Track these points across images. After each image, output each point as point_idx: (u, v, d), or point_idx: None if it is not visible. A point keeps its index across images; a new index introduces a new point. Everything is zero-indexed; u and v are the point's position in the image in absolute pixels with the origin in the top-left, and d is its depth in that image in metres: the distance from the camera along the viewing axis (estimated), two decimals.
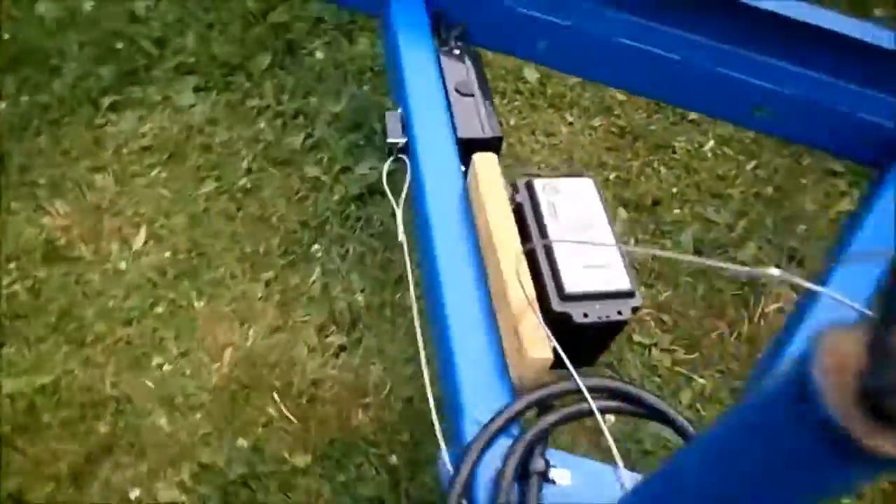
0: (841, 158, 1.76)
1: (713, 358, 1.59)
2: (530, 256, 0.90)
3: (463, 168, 1.06)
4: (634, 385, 0.85)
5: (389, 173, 1.09)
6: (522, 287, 0.84)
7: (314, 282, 1.50)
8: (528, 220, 0.94)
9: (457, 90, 1.18)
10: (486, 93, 1.20)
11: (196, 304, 1.43)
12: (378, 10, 1.40)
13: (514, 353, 0.86)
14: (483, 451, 0.75)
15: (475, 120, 1.15)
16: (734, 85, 1.32)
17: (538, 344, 0.82)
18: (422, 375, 0.76)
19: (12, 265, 1.46)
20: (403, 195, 1.06)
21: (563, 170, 1.86)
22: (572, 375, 0.82)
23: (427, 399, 0.81)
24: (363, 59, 1.94)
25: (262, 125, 1.75)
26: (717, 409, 1.48)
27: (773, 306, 1.71)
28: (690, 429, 0.80)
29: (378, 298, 1.48)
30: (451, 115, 1.13)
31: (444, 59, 1.23)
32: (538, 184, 0.96)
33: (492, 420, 0.78)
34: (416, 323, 0.91)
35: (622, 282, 0.88)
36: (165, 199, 1.59)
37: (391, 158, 1.12)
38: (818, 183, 2.00)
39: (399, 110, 1.16)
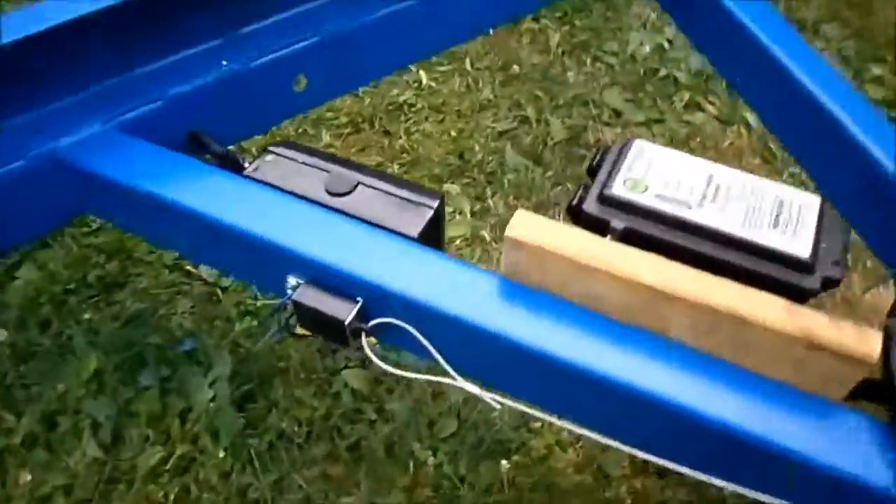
0: None
1: None
2: (720, 267, 0.62)
3: None
4: None
5: None
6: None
7: None
8: (661, 236, 0.64)
9: (330, 193, 0.78)
10: (361, 168, 0.81)
11: None
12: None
13: (828, 372, 0.60)
14: None
15: (399, 206, 0.77)
16: None
17: (864, 336, 0.57)
18: None
19: None
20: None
21: None
22: None
23: None
24: (42, 286, 1.30)
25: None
26: None
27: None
28: None
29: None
30: (376, 226, 0.74)
31: (267, 177, 0.80)
32: (616, 188, 0.66)
33: None
34: None
35: (811, 201, 0.66)
36: None
37: (364, 343, 0.70)
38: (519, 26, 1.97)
39: (298, 286, 0.71)
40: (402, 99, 1.79)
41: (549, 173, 1.57)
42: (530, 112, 1.72)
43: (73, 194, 0.83)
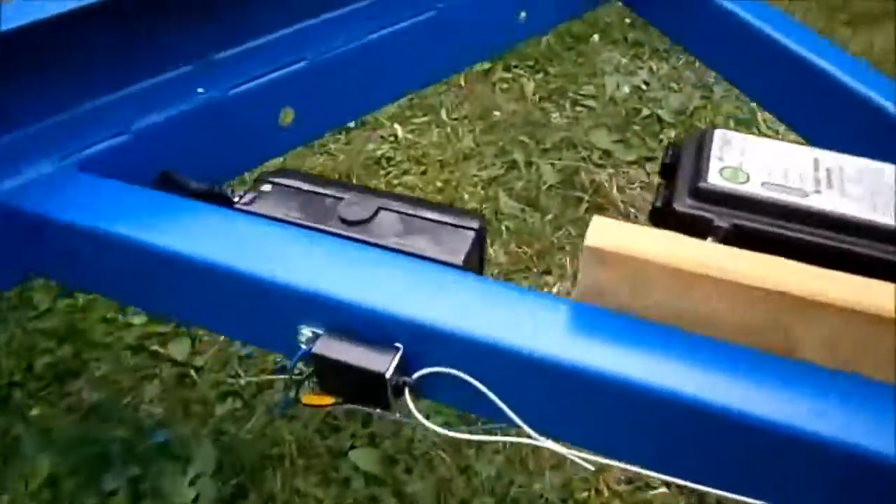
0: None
1: None
2: (852, 261, 0.50)
3: None
4: None
5: None
6: None
7: None
8: (779, 231, 0.52)
9: (346, 222, 0.64)
10: (378, 192, 0.68)
11: None
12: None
13: None
14: None
15: (432, 231, 0.63)
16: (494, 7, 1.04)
17: None
18: None
19: None
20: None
21: None
22: None
23: None
24: None
25: None
26: None
27: None
28: None
29: None
30: (408, 255, 0.60)
31: (265, 209, 0.66)
32: (713, 178, 0.54)
33: None
34: None
35: None
36: None
37: (410, 402, 0.55)
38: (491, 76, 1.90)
39: (316, 337, 0.56)
40: (378, 153, 1.68)
41: (549, 217, 1.46)
42: (518, 157, 1.62)
43: (19, 250, 0.66)
